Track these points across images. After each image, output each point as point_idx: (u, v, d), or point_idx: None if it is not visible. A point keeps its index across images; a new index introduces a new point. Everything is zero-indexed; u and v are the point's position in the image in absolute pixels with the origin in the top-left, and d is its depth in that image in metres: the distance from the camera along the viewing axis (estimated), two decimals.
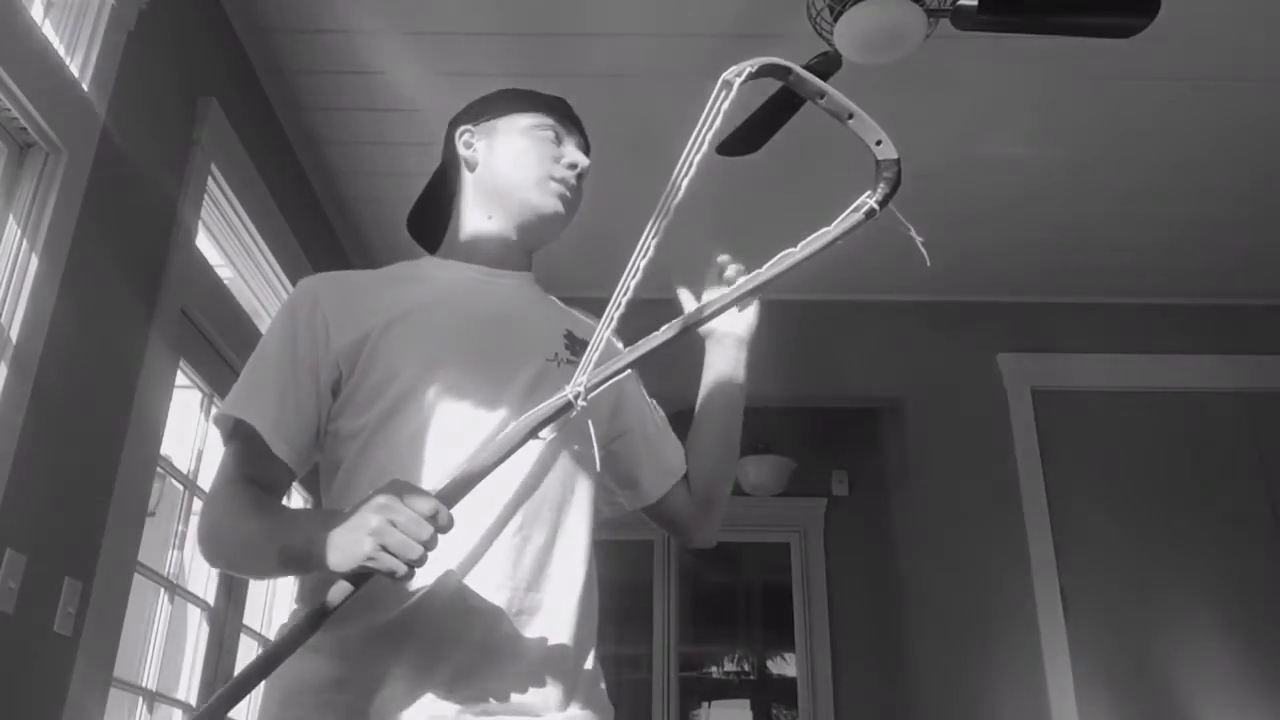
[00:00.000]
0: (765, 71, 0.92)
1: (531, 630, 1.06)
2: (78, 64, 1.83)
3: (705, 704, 4.87)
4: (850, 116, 0.93)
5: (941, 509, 3.53)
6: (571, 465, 1.16)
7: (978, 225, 3.37)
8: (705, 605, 4.99)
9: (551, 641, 1.07)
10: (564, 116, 1.31)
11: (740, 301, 1.06)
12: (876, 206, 0.96)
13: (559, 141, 1.28)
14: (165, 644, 2.40)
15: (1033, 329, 3.75)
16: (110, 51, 1.90)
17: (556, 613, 1.08)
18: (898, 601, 3.99)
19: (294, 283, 2.99)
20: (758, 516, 4.73)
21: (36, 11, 1.76)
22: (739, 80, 0.91)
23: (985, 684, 3.29)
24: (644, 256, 0.95)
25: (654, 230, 0.93)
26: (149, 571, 2.29)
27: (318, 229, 3.24)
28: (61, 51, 1.79)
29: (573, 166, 1.26)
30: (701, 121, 0.90)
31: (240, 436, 1.12)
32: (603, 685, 1.15)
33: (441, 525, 0.89)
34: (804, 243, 0.98)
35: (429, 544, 0.89)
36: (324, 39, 2.57)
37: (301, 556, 0.97)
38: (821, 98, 0.94)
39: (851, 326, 3.78)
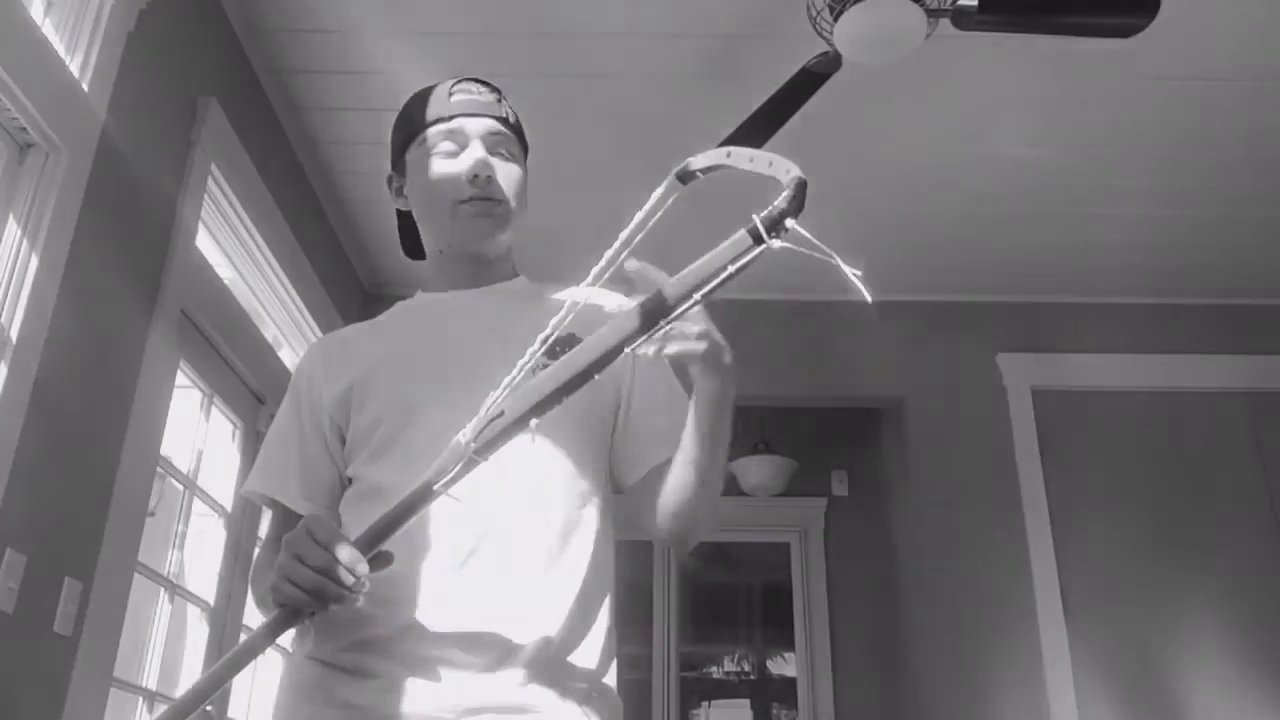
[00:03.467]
0: (711, 165, 0.88)
1: (532, 634, 1.06)
2: (78, 64, 1.83)
3: (705, 704, 4.87)
4: (770, 164, 0.82)
5: (941, 509, 3.53)
6: (568, 465, 1.15)
7: (978, 225, 3.37)
8: (705, 605, 4.99)
9: (548, 645, 1.06)
10: (452, 114, 1.22)
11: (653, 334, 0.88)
12: (759, 221, 0.77)
13: (458, 150, 1.22)
14: (165, 644, 2.40)
15: (1033, 329, 3.75)
16: (110, 51, 1.90)
17: (553, 618, 1.08)
18: (898, 601, 3.99)
19: (294, 283, 3.03)
20: (758, 516, 4.72)
21: (36, 11, 1.76)
22: (669, 180, 0.88)
23: (985, 684, 3.29)
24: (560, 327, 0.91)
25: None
26: (149, 571, 2.29)
27: (318, 229, 3.24)
28: (61, 51, 1.79)
29: (474, 179, 1.20)
30: (643, 215, 0.86)
31: (271, 504, 1.22)
32: (609, 680, 1.14)
33: (341, 557, 0.91)
34: (702, 274, 0.81)
35: (329, 573, 0.91)
36: (323, 39, 2.57)
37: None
38: (750, 161, 0.85)
39: (851, 326, 3.77)
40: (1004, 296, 3.78)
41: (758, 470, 4.51)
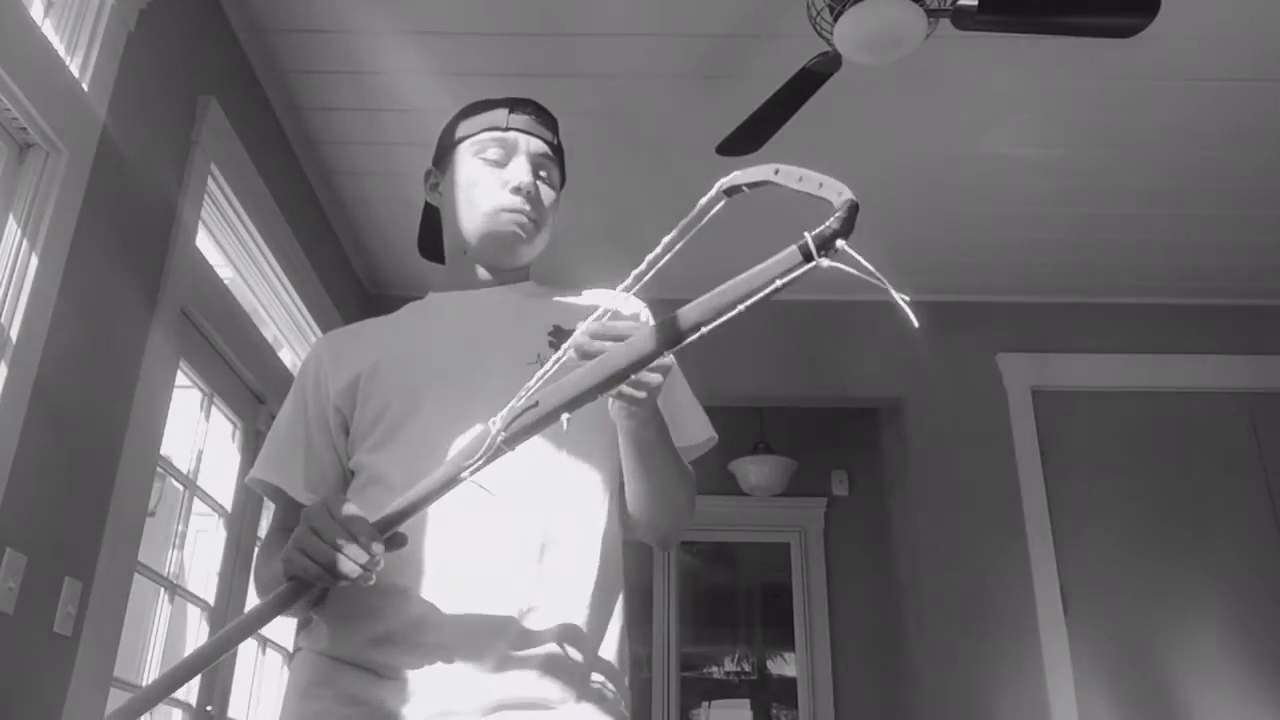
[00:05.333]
0: (758, 181, 0.89)
1: (540, 627, 1.06)
2: (78, 64, 1.83)
3: (705, 704, 4.86)
4: (820, 185, 0.85)
5: (941, 509, 3.53)
6: (580, 457, 1.16)
7: (978, 225, 3.37)
8: (705, 605, 4.99)
9: (561, 638, 1.07)
10: (509, 126, 1.28)
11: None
12: (810, 239, 0.79)
13: (505, 160, 1.27)
14: (165, 644, 2.40)
15: (1033, 329, 3.75)
16: (110, 51, 1.90)
17: (565, 609, 1.08)
18: (898, 601, 3.99)
19: (294, 283, 3.03)
20: (758, 516, 4.73)
21: (36, 11, 1.76)
22: (713, 193, 0.89)
23: (985, 684, 3.29)
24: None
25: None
26: (149, 571, 2.29)
27: (317, 229, 3.24)
28: (61, 51, 1.79)
29: (517, 190, 1.24)
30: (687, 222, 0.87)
31: (274, 494, 1.23)
32: (624, 680, 1.14)
33: (356, 531, 0.93)
34: (735, 282, 0.83)
35: (343, 548, 0.92)
36: (323, 39, 2.57)
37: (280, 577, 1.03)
38: (799, 180, 0.87)
39: (851, 326, 3.78)
40: (1004, 296, 3.79)
41: (757, 470, 4.51)
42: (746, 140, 2.48)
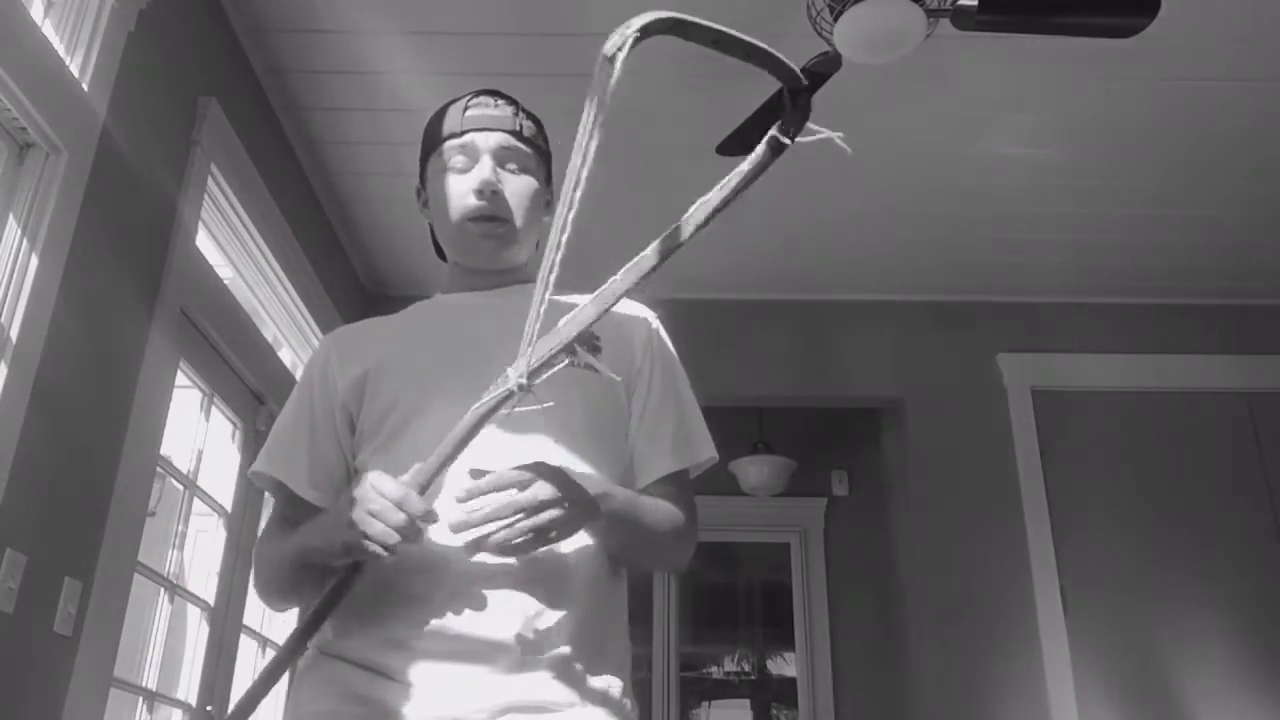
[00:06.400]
0: (652, 30, 0.89)
1: (544, 631, 1.06)
2: (78, 64, 1.83)
3: (705, 704, 4.87)
4: (748, 56, 0.87)
5: (941, 509, 3.53)
6: (581, 462, 1.15)
7: (978, 225, 3.37)
8: (705, 605, 4.99)
9: (565, 641, 1.07)
10: (464, 129, 1.25)
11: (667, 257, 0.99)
12: (779, 134, 0.87)
13: (469, 165, 1.24)
14: (165, 644, 2.40)
15: (1033, 329, 3.75)
16: (110, 51, 1.90)
17: (568, 612, 1.08)
18: (898, 601, 3.99)
19: (294, 283, 3.03)
20: (758, 516, 4.73)
21: (36, 11, 1.76)
22: (622, 53, 0.89)
23: (985, 683, 3.29)
24: (559, 250, 0.95)
25: (564, 226, 0.94)
26: (149, 571, 2.29)
27: (317, 228, 3.24)
28: (61, 51, 1.79)
29: (479, 193, 1.22)
30: (588, 109, 0.88)
31: (276, 488, 1.24)
32: (627, 684, 1.14)
33: (412, 511, 0.97)
34: (718, 186, 0.94)
35: (404, 530, 0.97)
36: (324, 39, 2.57)
37: (310, 553, 1.06)
38: (716, 43, 0.89)
39: (851, 326, 3.78)
40: (1004, 296, 3.78)
41: (758, 470, 4.51)
42: (746, 140, 2.47)
